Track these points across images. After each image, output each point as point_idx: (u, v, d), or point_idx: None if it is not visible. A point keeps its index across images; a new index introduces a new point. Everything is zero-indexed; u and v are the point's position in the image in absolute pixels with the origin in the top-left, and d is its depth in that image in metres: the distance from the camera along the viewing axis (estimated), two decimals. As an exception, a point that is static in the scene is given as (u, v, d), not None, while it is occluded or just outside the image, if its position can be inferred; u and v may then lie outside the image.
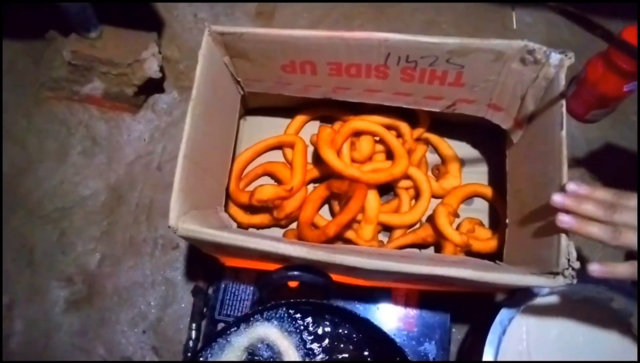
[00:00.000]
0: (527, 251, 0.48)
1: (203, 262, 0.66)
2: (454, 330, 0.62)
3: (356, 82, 0.55)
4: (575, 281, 0.41)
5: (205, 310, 0.63)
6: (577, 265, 0.41)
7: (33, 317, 0.67)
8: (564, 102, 0.46)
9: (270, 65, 0.55)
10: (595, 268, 0.40)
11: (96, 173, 0.73)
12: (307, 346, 0.51)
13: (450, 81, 0.53)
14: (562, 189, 0.42)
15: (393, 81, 0.54)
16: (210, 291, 0.64)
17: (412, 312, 0.59)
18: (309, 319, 0.51)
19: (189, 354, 0.61)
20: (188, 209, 0.46)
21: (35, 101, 0.77)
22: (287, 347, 0.50)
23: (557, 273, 0.41)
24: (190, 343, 0.61)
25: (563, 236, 0.42)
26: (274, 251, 0.44)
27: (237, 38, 0.52)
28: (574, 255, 0.41)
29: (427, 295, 0.59)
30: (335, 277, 0.51)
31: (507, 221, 0.54)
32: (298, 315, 0.52)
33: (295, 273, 0.49)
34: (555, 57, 0.47)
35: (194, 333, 0.61)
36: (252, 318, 0.51)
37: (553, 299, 0.53)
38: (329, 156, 0.58)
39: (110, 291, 0.67)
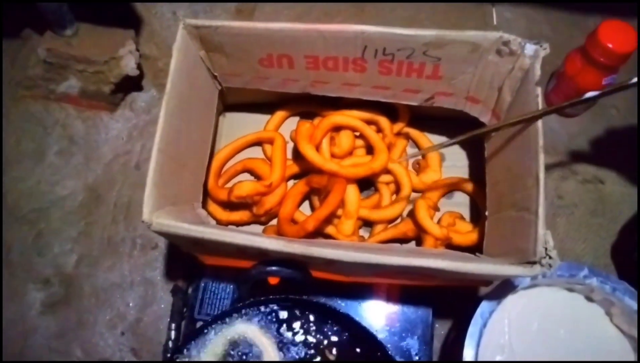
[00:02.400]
0: (506, 243, 0.48)
1: (182, 261, 0.65)
2: (437, 325, 0.62)
3: (334, 76, 0.55)
4: (552, 269, 0.40)
5: (184, 309, 0.62)
6: (554, 253, 0.41)
7: (9, 319, 0.65)
8: (539, 92, 0.46)
9: (247, 59, 0.54)
10: None
11: (73, 173, 0.72)
12: (286, 343, 0.50)
13: (428, 74, 0.52)
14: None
15: (371, 74, 0.53)
16: (189, 290, 0.63)
17: (394, 308, 0.59)
18: (289, 316, 0.51)
19: (169, 355, 0.59)
20: (163, 205, 0.45)
21: (11, 100, 0.75)
22: (266, 344, 0.50)
23: (534, 262, 0.41)
24: (170, 343, 0.60)
25: (540, 226, 0.41)
26: (250, 245, 0.43)
27: (213, 32, 0.51)
28: (551, 243, 0.41)
29: (409, 290, 0.59)
30: (316, 273, 0.50)
31: (486, 213, 0.53)
32: (277, 312, 0.51)
33: (274, 268, 0.48)
34: (530, 48, 0.47)
35: (173, 334, 0.60)
36: (230, 316, 0.51)
37: (534, 291, 0.53)
38: (307, 150, 0.57)
39: (88, 293, 0.66)
